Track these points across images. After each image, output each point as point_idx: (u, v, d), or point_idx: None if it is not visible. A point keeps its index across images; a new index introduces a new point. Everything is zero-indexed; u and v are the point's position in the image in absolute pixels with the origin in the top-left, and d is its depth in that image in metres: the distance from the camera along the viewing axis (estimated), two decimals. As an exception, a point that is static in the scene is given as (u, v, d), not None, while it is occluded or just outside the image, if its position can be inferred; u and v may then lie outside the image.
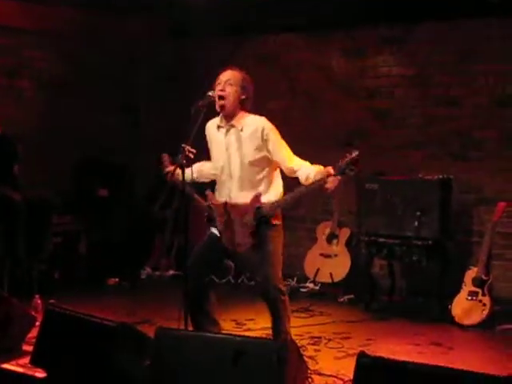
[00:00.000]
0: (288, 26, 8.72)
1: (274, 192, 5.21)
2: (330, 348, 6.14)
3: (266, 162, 5.20)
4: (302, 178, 5.05)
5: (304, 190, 5.04)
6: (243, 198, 5.18)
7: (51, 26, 8.71)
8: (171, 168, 5.32)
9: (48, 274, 8.11)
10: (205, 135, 5.39)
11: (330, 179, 4.88)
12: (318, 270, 8.12)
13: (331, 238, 8.16)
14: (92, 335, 4.62)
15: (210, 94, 5.19)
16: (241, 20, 8.72)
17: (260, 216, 5.11)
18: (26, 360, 5.09)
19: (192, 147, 5.05)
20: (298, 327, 6.35)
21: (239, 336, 4.59)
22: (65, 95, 9.01)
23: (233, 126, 5.21)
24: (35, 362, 4.88)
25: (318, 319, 7.15)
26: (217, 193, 5.36)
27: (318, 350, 6.04)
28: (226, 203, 5.22)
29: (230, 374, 4.08)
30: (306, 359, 5.11)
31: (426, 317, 7.08)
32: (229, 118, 5.21)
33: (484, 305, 6.80)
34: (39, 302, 6.44)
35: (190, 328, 5.03)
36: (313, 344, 6.20)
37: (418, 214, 7.14)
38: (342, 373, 5.28)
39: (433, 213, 7.17)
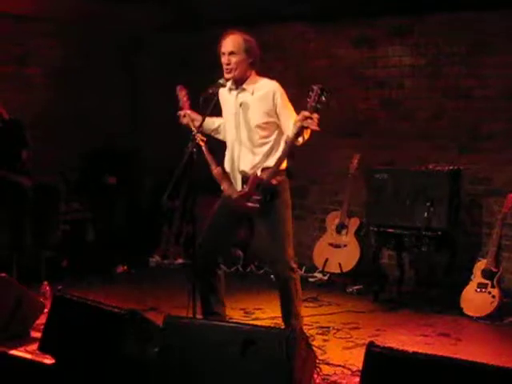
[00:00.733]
0: (297, 15, 8.68)
1: (273, 159, 5.21)
2: (339, 338, 6.13)
3: (274, 127, 5.20)
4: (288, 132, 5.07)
5: (289, 144, 5.03)
6: (250, 162, 5.22)
7: (58, 13, 8.70)
8: (181, 112, 5.46)
9: (56, 262, 8.11)
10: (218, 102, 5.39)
11: (309, 121, 4.88)
12: (326, 259, 8.09)
13: (340, 228, 8.14)
14: (100, 322, 4.62)
15: (221, 81, 5.20)
16: (249, 8, 8.68)
17: (262, 188, 5.11)
18: (35, 346, 5.12)
19: (203, 135, 5.06)
20: (307, 317, 6.33)
21: (248, 325, 4.57)
22: (72, 82, 9.02)
23: (244, 89, 5.23)
24: (43, 348, 4.89)
25: (327, 309, 7.13)
26: (226, 158, 5.38)
27: (327, 340, 6.03)
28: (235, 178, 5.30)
29: (238, 362, 4.08)
30: (314, 349, 5.11)
31: (435, 308, 7.05)
32: (240, 82, 5.24)
33: (493, 297, 6.77)
34: (48, 288, 6.47)
35: (199, 316, 5.04)
36: (321, 334, 6.20)
37: (428, 204, 7.10)
38: (351, 363, 5.29)
39: (442, 204, 7.13)
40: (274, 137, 5.22)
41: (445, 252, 7.30)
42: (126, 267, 8.59)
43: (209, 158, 5.27)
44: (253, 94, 5.19)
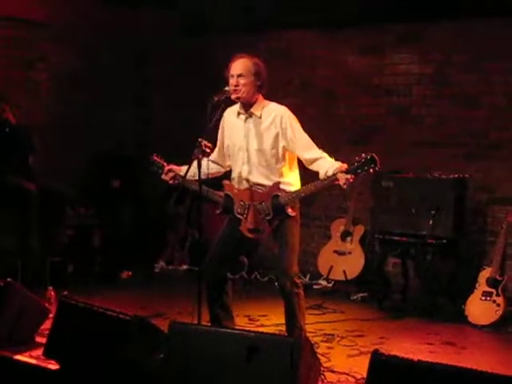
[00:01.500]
0: (304, 22, 8.69)
1: (291, 182, 5.26)
2: (343, 345, 6.12)
3: (284, 152, 5.22)
4: (322, 173, 5.07)
5: (319, 185, 5.08)
6: (260, 186, 5.24)
7: (67, 19, 8.73)
8: (167, 175, 5.52)
9: (61, 267, 8.12)
10: (219, 126, 5.42)
11: (342, 176, 4.90)
12: (331, 267, 8.09)
13: (345, 235, 8.13)
14: (105, 327, 4.63)
15: (227, 88, 5.21)
16: (256, 16, 8.69)
17: (277, 204, 5.15)
18: (39, 352, 5.12)
19: (208, 141, 5.08)
20: (311, 324, 6.33)
21: (253, 332, 4.57)
22: (79, 88, 9.03)
23: (252, 113, 5.25)
24: (48, 353, 4.90)
25: (331, 317, 7.13)
26: (234, 181, 5.39)
27: (331, 348, 6.02)
28: (246, 189, 5.27)
29: (244, 369, 4.08)
30: (318, 356, 5.10)
31: (440, 316, 7.05)
32: (248, 106, 5.26)
33: (498, 305, 6.76)
34: (53, 293, 6.46)
35: (203, 323, 5.04)
36: (325, 341, 6.19)
37: (433, 212, 7.10)
38: (355, 370, 5.27)
39: (447, 212, 7.14)
40: (286, 159, 5.26)
41: (450, 260, 7.31)
42: (130, 273, 8.60)
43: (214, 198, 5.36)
44: (261, 117, 5.23)
